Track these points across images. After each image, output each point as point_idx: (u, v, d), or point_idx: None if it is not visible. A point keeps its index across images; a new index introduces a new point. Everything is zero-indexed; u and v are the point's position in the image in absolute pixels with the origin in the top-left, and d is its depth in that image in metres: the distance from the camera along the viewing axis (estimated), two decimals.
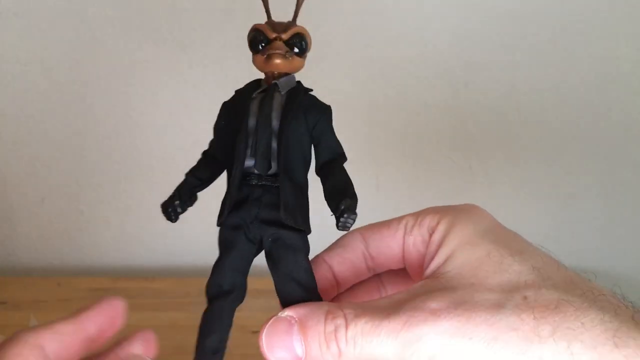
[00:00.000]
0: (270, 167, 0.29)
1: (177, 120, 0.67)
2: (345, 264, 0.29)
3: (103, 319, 0.26)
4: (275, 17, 0.31)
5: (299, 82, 0.31)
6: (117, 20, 0.64)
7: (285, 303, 0.26)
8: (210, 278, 0.29)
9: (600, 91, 0.70)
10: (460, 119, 0.70)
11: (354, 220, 0.26)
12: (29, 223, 0.71)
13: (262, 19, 0.30)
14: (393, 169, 0.71)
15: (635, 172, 0.74)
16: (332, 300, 0.29)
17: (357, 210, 0.27)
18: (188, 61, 0.65)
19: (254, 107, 0.29)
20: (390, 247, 0.28)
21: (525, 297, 0.22)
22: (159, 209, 0.29)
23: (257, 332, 0.24)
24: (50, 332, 0.24)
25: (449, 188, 0.73)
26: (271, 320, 0.24)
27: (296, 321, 0.24)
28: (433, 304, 0.22)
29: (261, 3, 0.30)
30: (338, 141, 0.30)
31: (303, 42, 0.29)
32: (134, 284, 0.65)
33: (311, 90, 0.30)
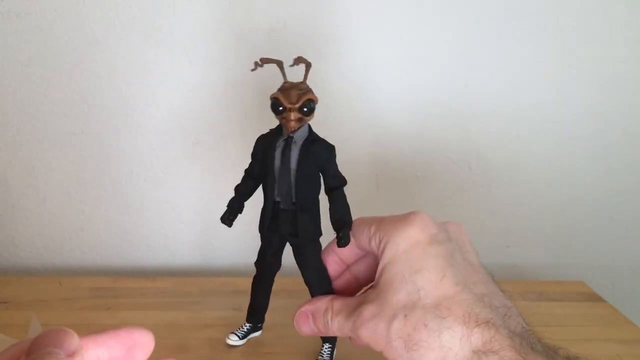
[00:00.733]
0: (291, 201, 0.43)
1: (177, 120, 0.67)
2: (346, 249, 0.41)
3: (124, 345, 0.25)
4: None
5: (309, 129, 0.43)
6: (117, 20, 0.64)
7: (310, 289, 0.44)
8: (257, 257, 0.48)
9: (601, 92, 0.70)
10: (461, 119, 0.70)
11: (348, 240, 0.40)
12: (30, 222, 0.72)
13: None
14: (393, 168, 0.71)
15: (635, 172, 0.75)
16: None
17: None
18: (188, 61, 0.65)
19: (277, 153, 0.42)
20: (355, 253, 0.42)
21: (405, 316, 0.32)
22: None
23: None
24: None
25: (449, 188, 0.73)
26: (297, 312, 0.40)
27: (309, 313, 0.40)
28: (364, 312, 0.35)
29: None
30: (339, 171, 0.43)
31: (311, 104, 0.41)
32: (134, 283, 0.65)
33: (318, 139, 0.42)
